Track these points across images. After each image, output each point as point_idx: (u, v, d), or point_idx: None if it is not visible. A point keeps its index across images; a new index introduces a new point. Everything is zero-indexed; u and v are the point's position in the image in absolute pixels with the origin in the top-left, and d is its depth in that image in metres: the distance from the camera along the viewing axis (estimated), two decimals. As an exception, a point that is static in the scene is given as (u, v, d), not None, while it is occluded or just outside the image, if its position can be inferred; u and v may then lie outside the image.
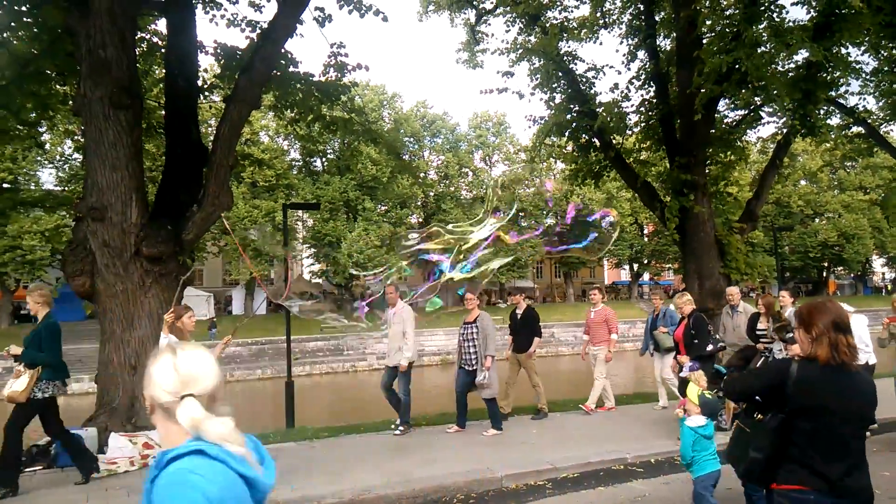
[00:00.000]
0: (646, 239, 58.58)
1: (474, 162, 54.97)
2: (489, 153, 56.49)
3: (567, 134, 14.33)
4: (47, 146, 33.84)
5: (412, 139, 51.33)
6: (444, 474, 6.97)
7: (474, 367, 8.90)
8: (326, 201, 44.04)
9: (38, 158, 37.51)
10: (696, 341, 8.71)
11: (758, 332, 9.13)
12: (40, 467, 7.51)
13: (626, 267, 62.66)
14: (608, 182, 34.36)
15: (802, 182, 61.31)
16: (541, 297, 61.17)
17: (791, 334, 8.11)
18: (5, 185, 35.60)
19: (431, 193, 51.35)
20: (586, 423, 9.59)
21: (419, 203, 51.77)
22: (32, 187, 37.50)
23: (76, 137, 15.33)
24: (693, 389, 5.15)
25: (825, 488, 2.77)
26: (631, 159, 14.75)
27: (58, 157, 38.86)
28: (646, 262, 59.37)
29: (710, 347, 8.61)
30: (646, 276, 63.59)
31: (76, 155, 37.28)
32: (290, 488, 6.39)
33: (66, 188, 35.99)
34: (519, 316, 10.25)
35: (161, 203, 9.25)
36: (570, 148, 15.25)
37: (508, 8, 14.12)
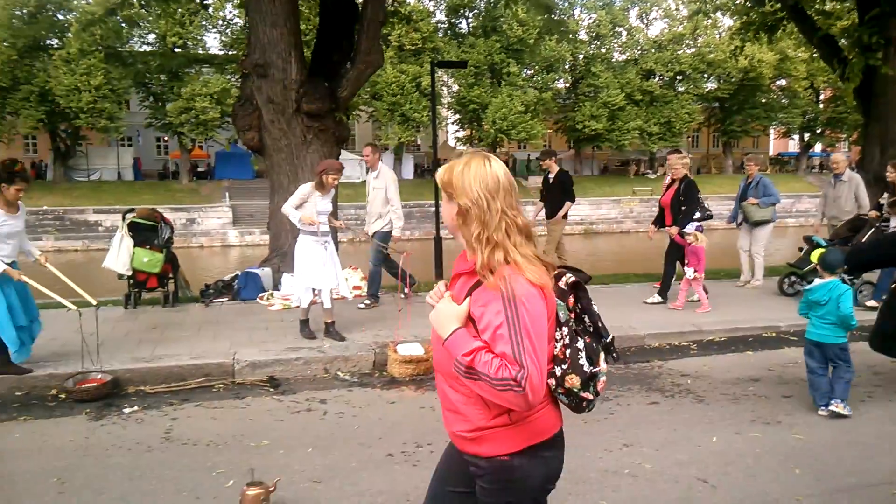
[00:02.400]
0: (821, 105, 52.78)
1: (629, 20, 51.01)
2: (646, 10, 52.08)
3: (739, -19, 12.84)
4: (210, 10, 35.42)
5: (562, -4, 48.25)
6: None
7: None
8: (471, 65, 43.21)
9: (203, 23, 39.49)
10: (683, 208, 8.12)
11: (879, 202, 8.35)
12: (226, 298, 8.58)
13: (795, 136, 57.23)
14: (782, 40, 30.80)
15: None
16: (696, 167, 57.94)
17: None
18: (176, 49, 38.10)
19: (581, 55, 48.69)
20: (735, 294, 9.29)
21: (567, 66, 49.38)
22: (200, 51, 39.86)
23: (236, 1, 15.84)
24: (815, 253, 4.97)
25: None
26: (812, 10, 13.03)
27: (220, 22, 40.69)
28: (819, 131, 53.81)
29: (697, 215, 8.11)
30: (818, 147, 57.91)
31: (237, 19, 38.92)
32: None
33: (230, 51, 37.79)
34: (551, 180, 9.57)
35: (316, 62, 9.56)
36: (739, 0, 13.71)
37: None
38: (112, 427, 4.75)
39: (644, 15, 52.63)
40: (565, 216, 9.48)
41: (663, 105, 48.86)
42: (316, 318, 6.86)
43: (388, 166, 8.31)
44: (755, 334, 7.27)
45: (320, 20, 9.99)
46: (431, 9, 46.29)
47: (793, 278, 8.83)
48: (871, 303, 7.92)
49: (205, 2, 14.02)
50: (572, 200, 9.48)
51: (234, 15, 38.87)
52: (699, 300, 8.02)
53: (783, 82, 51.54)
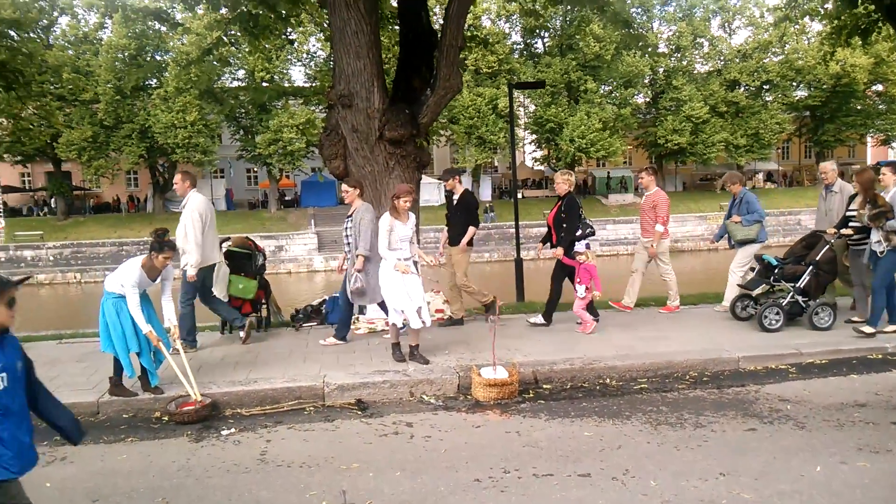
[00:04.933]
0: (923, 109, 49.52)
1: (711, 30, 49.63)
2: (729, 19, 50.63)
3: (829, -15, 12.33)
4: (295, 44, 37.00)
5: (640, 10, 47.51)
6: (676, 351, 6.95)
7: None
8: (548, 84, 43.13)
9: (289, 57, 41.24)
10: (564, 225, 7.99)
11: (847, 215, 7.76)
12: (315, 323, 8.84)
13: (895, 144, 53.88)
14: (878, 43, 29.13)
15: None
16: (786, 180, 55.43)
17: (892, 221, 6.80)
18: (264, 84, 39.98)
19: (661, 69, 47.71)
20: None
21: (646, 81, 48.47)
22: (286, 84, 41.64)
23: (318, 35, 16.39)
24: None
25: None
26: (912, 10, 12.32)
27: (305, 55, 42.39)
28: (921, 137, 50.48)
29: (579, 232, 7.97)
30: (920, 154, 54.32)
31: (320, 52, 40.43)
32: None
33: (314, 83, 39.25)
34: (455, 201, 8.63)
35: (397, 89, 9.79)
36: (829, 5, 13.14)
37: None
38: (211, 448, 4.97)
39: (727, 24, 51.19)
40: (470, 243, 8.46)
41: (750, 116, 47.13)
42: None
43: (201, 196, 7.57)
44: (859, 356, 6.86)
45: (400, 48, 10.23)
46: (507, 31, 46.64)
47: (745, 301, 8.19)
48: (868, 329, 7.22)
49: (290, 37, 14.64)
50: (476, 225, 8.55)
51: (318, 48, 40.46)
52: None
53: (879, 87, 48.79)
